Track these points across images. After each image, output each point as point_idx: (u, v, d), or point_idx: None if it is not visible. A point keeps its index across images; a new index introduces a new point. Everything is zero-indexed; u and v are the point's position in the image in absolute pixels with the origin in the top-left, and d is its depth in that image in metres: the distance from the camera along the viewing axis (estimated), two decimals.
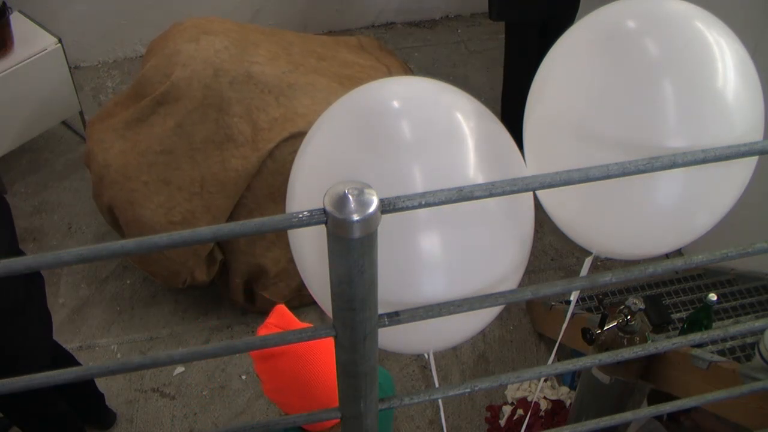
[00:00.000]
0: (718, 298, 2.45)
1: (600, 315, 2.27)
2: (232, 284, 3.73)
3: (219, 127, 3.53)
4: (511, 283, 1.41)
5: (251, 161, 3.49)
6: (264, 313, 3.83)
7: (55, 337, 3.79)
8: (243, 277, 3.70)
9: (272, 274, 3.66)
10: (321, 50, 4.07)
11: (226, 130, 3.53)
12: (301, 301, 3.77)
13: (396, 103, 1.34)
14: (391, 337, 1.29)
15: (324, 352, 1.71)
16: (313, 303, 1.52)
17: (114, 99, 3.91)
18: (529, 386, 3.55)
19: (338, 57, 4.08)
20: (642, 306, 2.19)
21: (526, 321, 3.87)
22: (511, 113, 3.88)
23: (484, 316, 1.49)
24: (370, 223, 0.89)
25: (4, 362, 2.65)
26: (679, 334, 2.73)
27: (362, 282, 0.94)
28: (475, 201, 0.97)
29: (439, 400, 1.91)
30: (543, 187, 1.00)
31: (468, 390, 1.17)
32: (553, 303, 3.56)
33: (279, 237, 3.54)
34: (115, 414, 3.49)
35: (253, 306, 3.82)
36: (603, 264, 3.67)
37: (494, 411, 3.52)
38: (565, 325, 2.06)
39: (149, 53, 3.87)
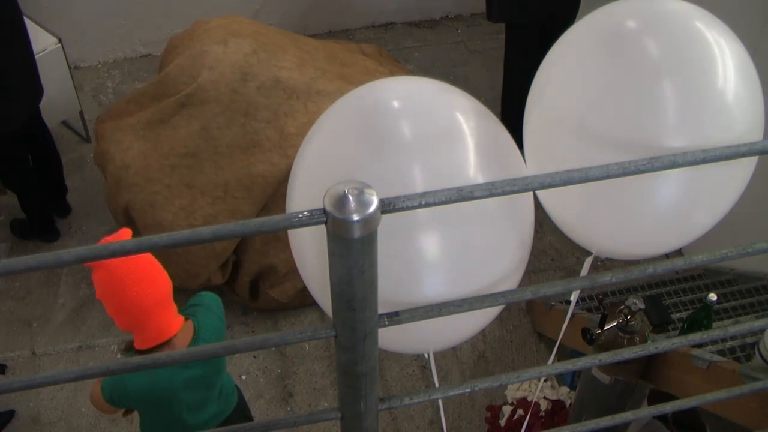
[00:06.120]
0: (718, 298, 2.44)
1: (600, 315, 2.27)
2: (240, 282, 3.73)
3: (246, 132, 3.51)
4: (511, 283, 1.41)
5: (280, 167, 3.48)
6: (265, 310, 3.85)
7: (55, 337, 3.80)
8: (252, 275, 3.70)
9: (281, 273, 3.66)
10: (343, 56, 4.08)
11: (253, 135, 3.51)
12: (302, 301, 3.77)
13: (396, 103, 1.34)
14: (391, 337, 1.29)
15: (137, 279, 1.98)
16: (315, 303, 1.52)
17: (127, 97, 3.87)
18: (529, 386, 3.55)
19: (359, 63, 4.09)
20: (642, 306, 2.19)
21: (526, 321, 3.87)
22: (511, 113, 3.88)
23: (484, 316, 1.49)
24: (370, 223, 0.89)
25: None
26: (679, 334, 2.73)
27: (362, 282, 0.94)
28: (475, 201, 0.97)
29: (439, 400, 1.90)
30: (543, 187, 1.00)
31: (468, 390, 1.17)
32: (553, 303, 3.56)
33: None
34: (71, 207, 4.18)
35: (255, 302, 3.81)
36: (603, 264, 3.67)
37: (494, 411, 3.52)
38: (565, 325, 2.06)
39: (171, 51, 3.84)
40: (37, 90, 3.57)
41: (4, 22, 3.27)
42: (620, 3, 1.55)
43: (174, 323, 2.07)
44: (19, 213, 4.04)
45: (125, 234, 2.04)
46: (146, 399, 2.16)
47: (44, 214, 4.02)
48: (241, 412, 2.48)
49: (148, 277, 1.99)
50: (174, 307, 2.09)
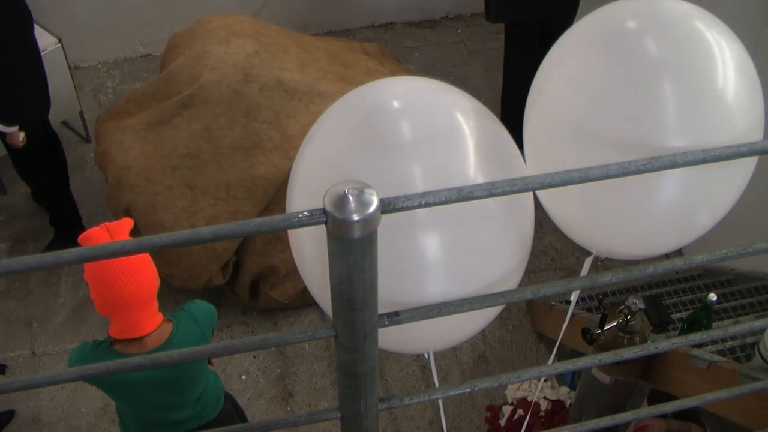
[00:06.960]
0: (718, 298, 2.44)
1: (600, 315, 2.27)
2: (241, 282, 3.73)
3: (247, 133, 3.50)
4: (511, 283, 1.41)
5: (282, 169, 3.47)
6: (266, 310, 3.85)
7: (55, 337, 3.80)
8: (253, 276, 3.70)
9: (282, 274, 3.66)
10: (345, 56, 4.07)
11: (255, 137, 3.51)
12: (303, 301, 3.77)
13: (396, 103, 1.34)
14: (391, 337, 1.29)
15: (122, 271, 1.99)
16: (315, 303, 1.52)
17: (127, 97, 3.85)
18: (529, 386, 3.55)
19: (361, 64, 4.09)
20: (642, 306, 2.19)
21: (526, 321, 3.87)
22: (511, 113, 3.88)
23: (484, 316, 1.49)
24: (370, 223, 0.89)
25: None
26: (679, 334, 2.73)
27: (362, 282, 0.94)
28: (475, 201, 0.97)
29: (439, 400, 1.90)
30: (543, 187, 1.00)
31: (468, 390, 1.17)
32: (553, 303, 3.56)
33: None
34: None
35: (255, 303, 3.81)
36: (603, 264, 3.67)
37: (494, 411, 3.52)
38: (565, 325, 2.06)
39: (173, 50, 3.82)
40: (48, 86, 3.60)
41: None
42: (620, 3, 1.55)
43: (150, 323, 2.06)
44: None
45: (127, 223, 2.04)
46: (104, 384, 2.17)
47: (73, 208, 3.99)
48: (222, 422, 2.43)
49: (135, 272, 1.99)
50: (155, 306, 2.08)
